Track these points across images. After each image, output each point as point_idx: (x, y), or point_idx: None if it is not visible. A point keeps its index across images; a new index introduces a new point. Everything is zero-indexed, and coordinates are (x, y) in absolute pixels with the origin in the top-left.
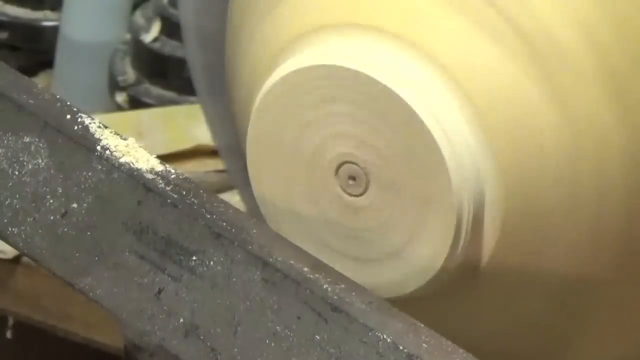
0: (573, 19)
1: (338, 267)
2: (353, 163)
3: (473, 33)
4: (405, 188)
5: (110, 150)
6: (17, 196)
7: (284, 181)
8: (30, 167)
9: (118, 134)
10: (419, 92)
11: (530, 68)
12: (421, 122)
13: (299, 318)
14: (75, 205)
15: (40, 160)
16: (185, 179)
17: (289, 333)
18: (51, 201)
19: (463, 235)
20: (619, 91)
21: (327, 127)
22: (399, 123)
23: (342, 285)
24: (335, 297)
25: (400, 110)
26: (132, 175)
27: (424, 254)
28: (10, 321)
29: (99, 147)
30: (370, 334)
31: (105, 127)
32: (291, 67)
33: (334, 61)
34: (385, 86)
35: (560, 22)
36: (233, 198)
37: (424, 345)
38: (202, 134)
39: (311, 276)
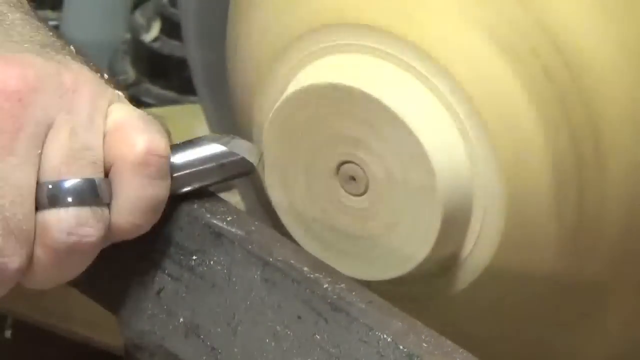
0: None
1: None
2: (353, 163)
3: (483, 44)
4: (399, 188)
5: None
6: None
7: (293, 184)
8: None
9: None
10: (417, 108)
11: (541, 83)
12: (416, 138)
13: (299, 318)
14: None
15: None
16: None
17: (289, 332)
18: None
19: (450, 231)
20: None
21: (330, 132)
22: (392, 133)
23: (342, 285)
24: (335, 296)
25: (392, 120)
26: None
27: (410, 243)
28: (10, 320)
29: None
30: (370, 333)
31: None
32: (300, 85)
33: (334, 79)
34: (379, 101)
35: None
36: (233, 198)
37: (424, 344)
38: (202, 134)
39: (311, 276)
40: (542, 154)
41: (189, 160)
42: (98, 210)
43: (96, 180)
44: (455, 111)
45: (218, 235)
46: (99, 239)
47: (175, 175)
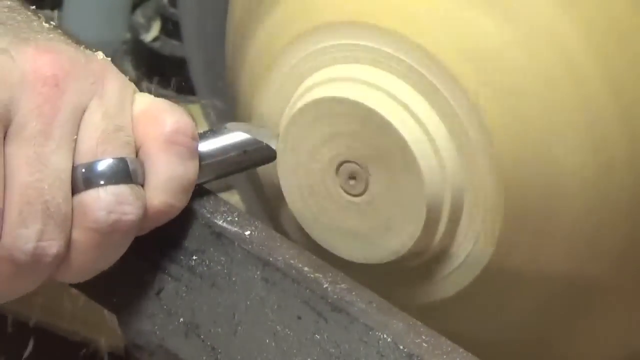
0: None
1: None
2: (353, 162)
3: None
4: (393, 188)
5: None
6: None
7: (297, 184)
8: None
9: None
10: (411, 112)
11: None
12: (406, 142)
13: (299, 318)
14: None
15: None
16: None
17: (289, 332)
18: None
19: (436, 228)
20: (620, 94)
21: (331, 132)
22: (386, 138)
23: (343, 285)
24: (336, 296)
25: (386, 127)
26: None
27: (399, 237)
28: (10, 320)
29: None
30: (370, 333)
31: None
32: (309, 98)
33: (336, 93)
34: (375, 111)
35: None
36: (233, 198)
37: (424, 344)
38: None
39: (311, 276)
40: (542, 155)
41: (215, 148)
42: (135, 187)
43: (130, 159)
44: (455, 111)
45: (218, 235)
46: (138, 218)
47: (202, 163)
